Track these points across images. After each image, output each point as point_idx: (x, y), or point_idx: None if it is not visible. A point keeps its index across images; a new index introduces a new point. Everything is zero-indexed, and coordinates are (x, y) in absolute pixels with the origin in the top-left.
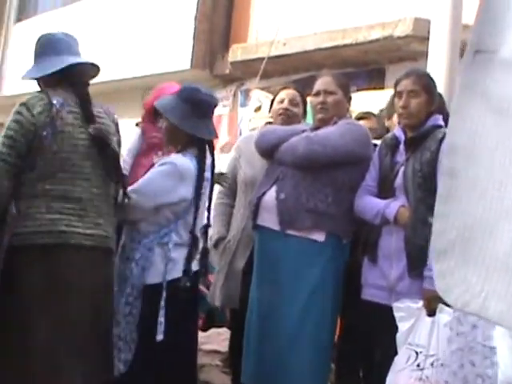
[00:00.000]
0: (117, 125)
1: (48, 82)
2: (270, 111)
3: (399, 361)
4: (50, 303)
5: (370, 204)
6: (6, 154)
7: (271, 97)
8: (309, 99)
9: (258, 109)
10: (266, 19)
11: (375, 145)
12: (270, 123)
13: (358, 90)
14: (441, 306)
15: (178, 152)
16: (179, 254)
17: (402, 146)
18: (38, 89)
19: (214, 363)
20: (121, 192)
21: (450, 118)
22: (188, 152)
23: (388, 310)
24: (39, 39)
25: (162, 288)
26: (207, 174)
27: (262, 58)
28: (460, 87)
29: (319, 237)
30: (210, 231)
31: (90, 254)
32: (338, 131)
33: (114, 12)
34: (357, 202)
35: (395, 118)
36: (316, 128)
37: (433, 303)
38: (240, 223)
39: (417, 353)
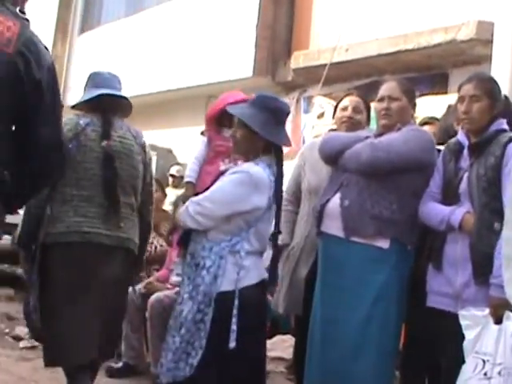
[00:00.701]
0: (143, 146)
1: (84, 108)
2: (333, 118)
3: (467, 369)
4: (74, 291)
5: (434, 210)
6: None
7: (334, 103)
8: (372, 105)
9: (321, 115)
10: (328, 25)
11: (439, 150)
12: (333, 130)
13: (420, 95)
14: (508, 313)
15: (248, 160)
16: (250, 262)
17: (465, 152)
18: None
19: (278, 370)
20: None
21: None
22: (261, 161)
23: (454, 318)
24: (88, 75)
25: (235, 296)
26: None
27: (324, 65)
28: None
29: (383, 244)
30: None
31: (110, 251)
32: (402, 137)
33: (177, 21)
34: (421, 208)
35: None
36: (380, 134)
37: (499, 311)
38: (304, 230)
39: (484, 361)
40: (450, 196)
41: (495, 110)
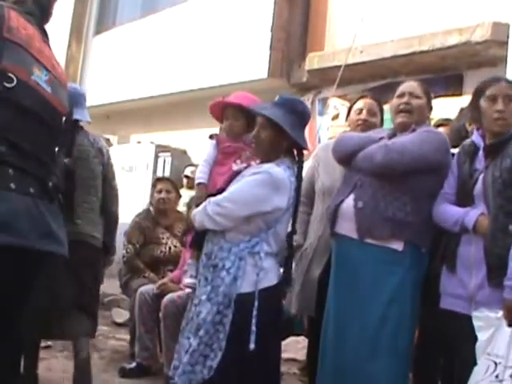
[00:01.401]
0: (100, 149)
1: None
2: (346, 119)
3: (478, 371)
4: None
5: (448, 212)
6: None
7: (348, 104)
8: (386, 106)
9: (336, 117)
10: (343, 27)
11: (452, 154)
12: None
13: (435, 97)
14: None
15: (267, 161)
16: (269, 263)
17: (480, 153)
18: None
19: (291, 371)
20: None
21: None
22: (281, 162)
23: (467, 320)
24: None
25: (254, 297)
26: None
27: (339, 66)
28: None
29: (398, 246)
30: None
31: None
32: (417, 139)
33: (192, 23)
34: (435, 210)
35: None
36: (394, 134)
37: None
38: (317, 231)
39: (496, 363)
40: (464, 198)
41: None
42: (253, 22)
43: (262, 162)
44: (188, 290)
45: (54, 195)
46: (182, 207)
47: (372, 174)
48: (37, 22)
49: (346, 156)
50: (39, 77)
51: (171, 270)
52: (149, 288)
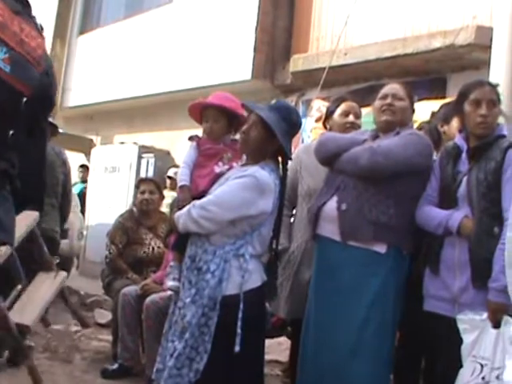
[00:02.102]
0: (64, 161)
1: None
2: (325, 121)
3: (464, 373)
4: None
5: (431, 215)
6: None
7: None
8: (369, 109)
9: (320, 119)
10: (327, 29)
11: None
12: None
13: (419, 100)
14: (506, 317)
15: (253, 162)
16: (254, 265)
17: (464, 155)
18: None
19: (274, 373)
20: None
21: None
22: (266, 164)
23: (450, 322)
24: None
25: (240, 299)
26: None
27: (323, 68)
28: None
29: (380, 248)
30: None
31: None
32: (401, 142)
33: (176, 24)
34: (418, 212)
35: (454, 122)
36: (377, 135)
37: (498, 315)
38: (304, 234)
39: (482, 365)
40: (447, 200)
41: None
42: (237, 24)
43: (245, 163)
44: (170, 292)
45: (2, 181)
46: (165, 208)
47: (356, 176)
48: None
49: (329, 157)
50: None
51: (154, 271)
52: (131, 289)
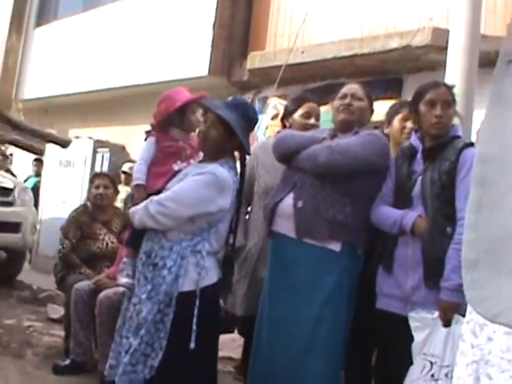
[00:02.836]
0: None
1: None
2: (285, 120)
3: (414, 371)
4: None
5: (386, 214)
6: None
7: None
8: (326, 107)
9: (276, 116)
10: (285, 27)
11: None
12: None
13: (375, 100)
14: (457, 316)
15: (212, 160)
16: (210, 262)
17: (419, 156)
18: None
19: (226, 370)
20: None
21: (481, 127)
22: (225, 162)
23: (402, 320)
24: None
25: (196, 295)
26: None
27: (280, 66)
28: (492, 97)
29: (335, 246)
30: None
31: None
32: (360, 142)
33: (134, 18)
34: (373, 211)
35: (395, 123)
36: (335, 134)
37: (449, 314)
38: (261, 232)
39: (431, 363)
40: (402, 199)
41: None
42: (195, 20)
43: (203, 160)
44: (123, 288)
45: None
46: (119, 203)
47: (314, 174)
48: None
49: (287, 154)
50: None
51: (108, 266)
52: (84, 284)
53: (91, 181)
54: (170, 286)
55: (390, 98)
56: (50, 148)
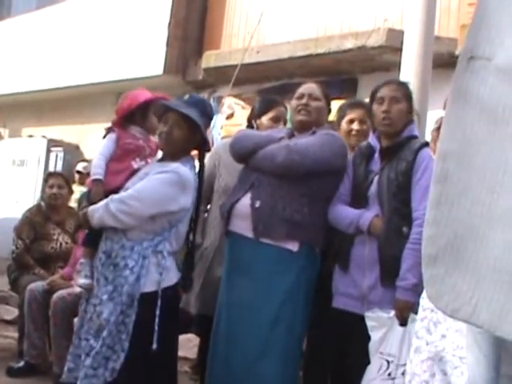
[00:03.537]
0: None
1: None
2: (252, 121)
3: (371, 370)
4: None
5: (343, 213)
6: None
7: (243, 104)
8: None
9: (231, 116)
10: (240, 26)
11: None
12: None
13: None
14: (413, 315)
15: (173, 159)
16: (171, 263)
17: (376, 155)
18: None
19: (183, 370)
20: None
21: (442, 124)
22: (187, 161)
23: (359, 319)
24: None
25: (158, 296)
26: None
27: (235, 65)
28: (453, 94)
29: (293, 246)
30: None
31: None
32: (318, 142)
33: (88, 17)
34: (330, 211)
35: (343, 125)
36: (292, 134)
37: (405, 313)
38: (217, 231)
39: (388, 362)
40: (359, 199)
41: (411, 115)
42: (150, 18)
43: (163, 160)
44: (79, 289)
45: None
46: (73, 203)
47: (272, 173)
48: None
49: (244, 153)
50: None
51: (62, 267)
52: (38, 285)
53: (45, 180)
54: (132, 286)
55: (346, 98)
56: (4, 147)
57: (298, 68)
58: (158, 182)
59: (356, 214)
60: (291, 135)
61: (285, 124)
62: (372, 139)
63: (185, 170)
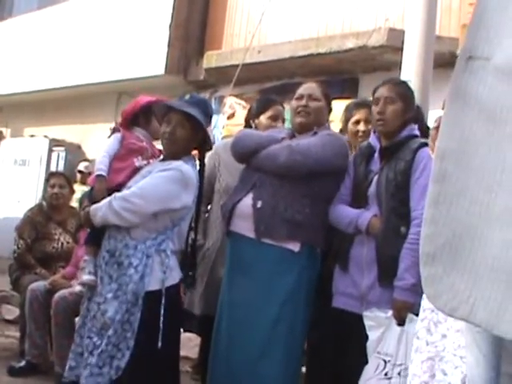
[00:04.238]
0: None
1: None
2: (250, 121)
3: (369, 369)
4: None
5: (343, 213)
6: None
7: (244, 104)
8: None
9: (232, 116)
10: (241, 26)
11: None
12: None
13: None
14: (410, 315)
15: (174, 159)
16: (173, 261)
17: (376, 155)
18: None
19: (184, 369)
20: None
21: (441, 124)
22: (189, 160)
23: (358, 319)
24: None
25: (162, 295)
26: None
27: (237, 65)
28: (451, 93)
29: (294, 246)
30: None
31: None
32: (320, 142)
33: (90, 17)
34: (331, 211)
35: (350, 126)
36: (293, 135)
37: (402, 313)
38: (219, 231)
39: (385, 361)
40: (358, 198)
41: (408, 114)
42: (152, 19)
43: (165, 159)
44: (79, 288)
45: None
46: (75, 203)
47: (274, 173)
48: None
49: (246, 153)
50: None
51: (63, 267)
52: (40, 284)
53: (47, 180)
54: (137, 285)
55: (347, 98)
56: (6, 146)
57: (299, 68)
58: (160, 180)
59: (355, 213)
60: (292, 136)
61: (283, 122)
62: (372, 139)
63: (187, 168)
